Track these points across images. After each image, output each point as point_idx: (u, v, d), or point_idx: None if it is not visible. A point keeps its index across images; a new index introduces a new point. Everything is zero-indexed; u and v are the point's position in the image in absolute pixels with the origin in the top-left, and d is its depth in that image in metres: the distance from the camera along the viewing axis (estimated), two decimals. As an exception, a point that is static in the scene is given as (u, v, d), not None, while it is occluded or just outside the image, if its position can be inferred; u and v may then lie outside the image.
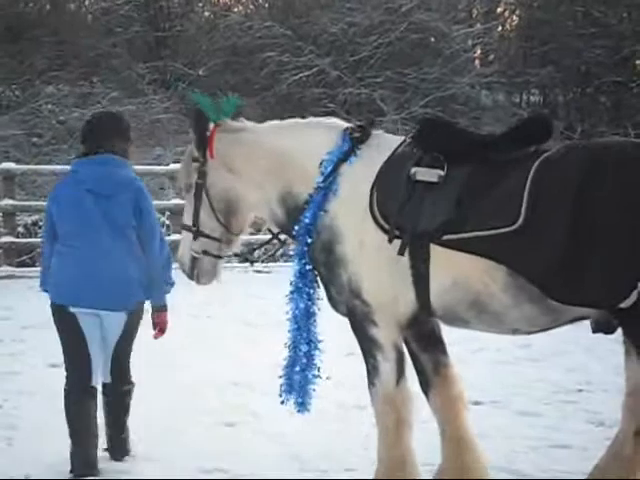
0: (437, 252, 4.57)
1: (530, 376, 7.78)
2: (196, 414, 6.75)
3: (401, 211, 4.64)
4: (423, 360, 5.02)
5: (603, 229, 4.22)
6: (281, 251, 11.87)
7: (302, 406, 5.08)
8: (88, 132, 5.87)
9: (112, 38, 22.55)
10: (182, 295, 8.23)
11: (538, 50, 24.93)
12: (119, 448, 5.92)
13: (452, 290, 4.58)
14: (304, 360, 5.03)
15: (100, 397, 5.85)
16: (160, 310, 5.81)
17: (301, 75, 21.41)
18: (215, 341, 9.06)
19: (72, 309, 5.66)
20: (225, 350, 8.67)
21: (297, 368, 5.04)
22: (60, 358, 8.04)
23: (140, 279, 5.73)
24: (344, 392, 7.18)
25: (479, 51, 26.37)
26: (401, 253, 4.64)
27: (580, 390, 7.35)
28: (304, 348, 5.02)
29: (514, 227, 4.35)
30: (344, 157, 4.96)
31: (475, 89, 22.97)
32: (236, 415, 6.75)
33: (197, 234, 5.28)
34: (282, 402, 5.10)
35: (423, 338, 4.99)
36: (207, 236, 5.29)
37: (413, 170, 4.69)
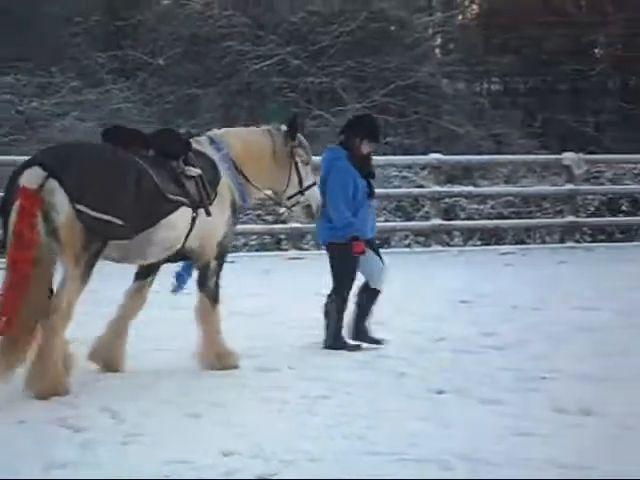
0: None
1: (494, 364, 7.81)
2: (157, 404, 6.65)
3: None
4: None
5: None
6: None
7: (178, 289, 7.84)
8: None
9: (72, 27, 22.34)
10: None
11: (498, 39, 25.05)
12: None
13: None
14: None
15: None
16: None
17: (262, 64, 21.35)
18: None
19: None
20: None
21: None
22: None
23: None
24: (307, 383, 7.15)
25: (439, 40, 26.45)
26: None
27: (543, 378, 7.37)
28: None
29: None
30: None
31: (436, 78, 23.00)
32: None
33: None
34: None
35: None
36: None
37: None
